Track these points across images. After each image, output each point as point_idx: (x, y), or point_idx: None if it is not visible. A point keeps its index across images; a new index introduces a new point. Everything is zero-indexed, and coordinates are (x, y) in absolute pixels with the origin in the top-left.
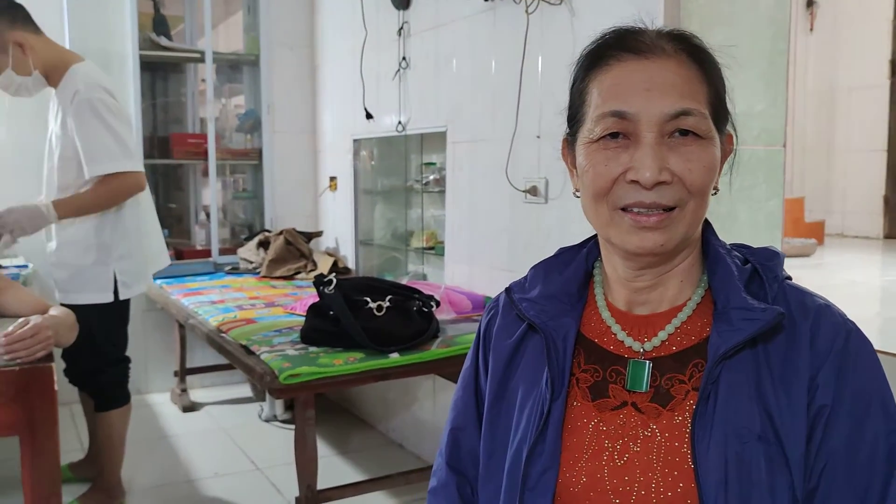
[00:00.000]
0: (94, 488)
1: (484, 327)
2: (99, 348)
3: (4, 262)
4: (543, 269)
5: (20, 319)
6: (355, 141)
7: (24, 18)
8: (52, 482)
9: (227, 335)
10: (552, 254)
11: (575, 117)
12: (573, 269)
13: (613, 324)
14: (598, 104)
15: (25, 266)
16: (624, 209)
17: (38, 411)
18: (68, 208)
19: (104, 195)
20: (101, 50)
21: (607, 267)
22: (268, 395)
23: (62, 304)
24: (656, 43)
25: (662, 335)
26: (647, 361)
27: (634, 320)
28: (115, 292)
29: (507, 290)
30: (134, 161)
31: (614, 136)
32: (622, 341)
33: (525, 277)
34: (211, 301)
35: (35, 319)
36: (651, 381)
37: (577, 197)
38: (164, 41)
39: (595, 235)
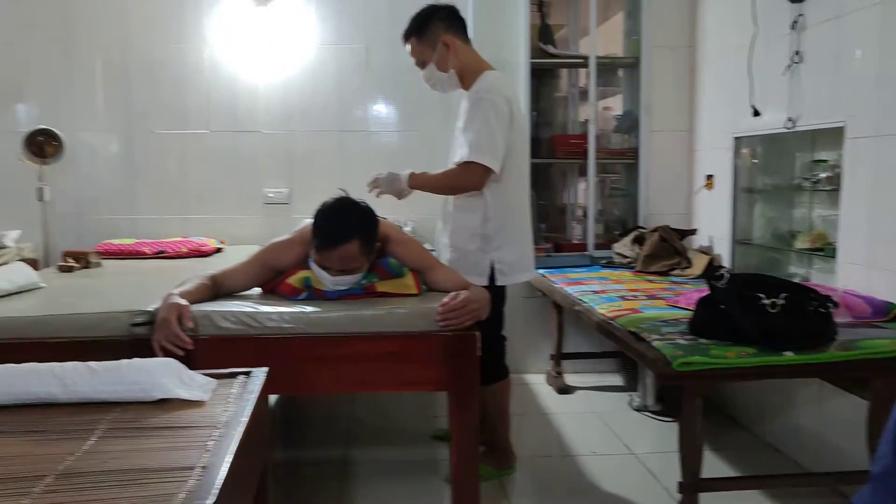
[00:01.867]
0: (489, 450)
1: None
2: (481, 325)
3: None
4: None
5: (451, 293)
6: (736, 139)
7: (459, 26)
8: (473, 432)
9: (615, 322)
10: None
11: None
12: None
13: None
14: None
15: None
16: None
17: (464, 372)
18: (418, 181)
19: (446, 179)
20: (498, 60)
21: None
22: (640, 386)
23: None
24: None
25: None
26: None
27: None
28: (492, 278)
29: None
30: (493, 160)
31: None
32: None
33: None
34: (593, 291)
35: (464, 294)
36: None
37: None
38: (550, 49)
39: None
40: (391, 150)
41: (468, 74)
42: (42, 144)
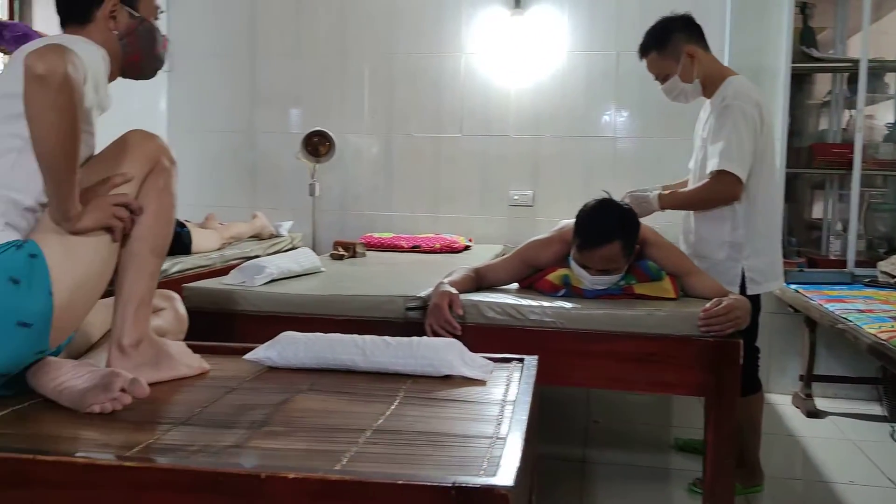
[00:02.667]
0: (738, 465)
1: None
2: (738, 334)
3: None
4: None
5: (714, 299)
6: None
7: (699, 35)
8: (730, 442)
9: (889, 343)
10: None
11: None
12: None
13: None
14: None
15: None
16: None
17: (725, 380)
18: (669, 202)
19: (700, 194)
20: (755, 65)
21: None
22: None
23: None
24: None
25: None
26: None
27: None
28: (743, 287)
29: None
30: (741, 169)
31: None
32: None
33: None
34: (858, 310)
35: (727, 301)
36: None
37: None
38: (813, 52)
39: None
40: (635, 157)
41: (710, 82)
42: (317, 145)
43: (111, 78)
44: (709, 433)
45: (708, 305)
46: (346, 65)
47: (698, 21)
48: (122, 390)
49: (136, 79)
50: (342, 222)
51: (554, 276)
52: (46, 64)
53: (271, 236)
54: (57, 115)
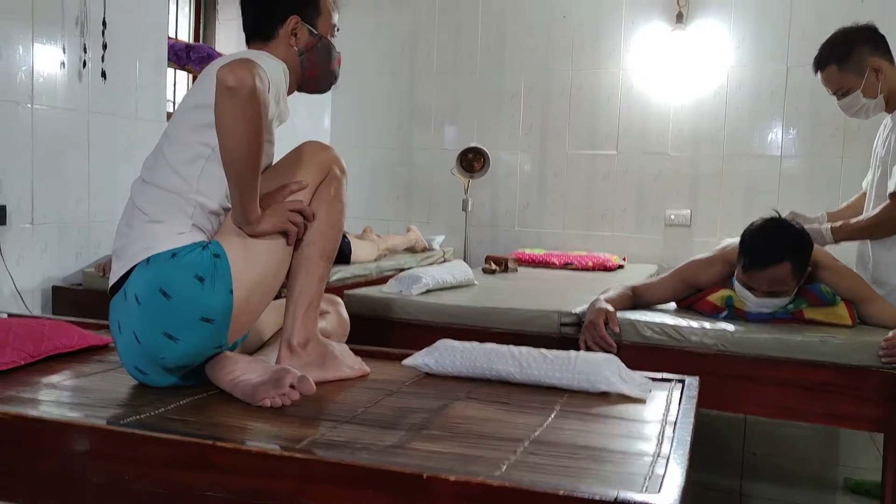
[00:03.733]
0: None
1: None
2: None
3: None
4: None
5: None
6: None
7: (884, 47)
8: None
9: None
10: None
11: None
12: None
13: None
14: None
15: None
16: None
17: None
18: (846, 233)
19: (881, 218)
20: None
21: None
22: None
23: None
24: None
25: None
26: None
27: None
28: None
29: None
30: None
31: None
32: None
33: None
34: None
35: None
36: None
37: None
38: None
39: None
40: (802, 177)
41: (894, 97)
42: (471, 161)
43: (289, 91)
44: (888, 474)
45: (890, 335)
46: (503, 81)
47: (882, 31)
48: (292, 386)
49: (312, 93)
50: (493, 238)
51: (716, 297)
52: (237, 76)
53: (424, 249)
54: (245, 124)
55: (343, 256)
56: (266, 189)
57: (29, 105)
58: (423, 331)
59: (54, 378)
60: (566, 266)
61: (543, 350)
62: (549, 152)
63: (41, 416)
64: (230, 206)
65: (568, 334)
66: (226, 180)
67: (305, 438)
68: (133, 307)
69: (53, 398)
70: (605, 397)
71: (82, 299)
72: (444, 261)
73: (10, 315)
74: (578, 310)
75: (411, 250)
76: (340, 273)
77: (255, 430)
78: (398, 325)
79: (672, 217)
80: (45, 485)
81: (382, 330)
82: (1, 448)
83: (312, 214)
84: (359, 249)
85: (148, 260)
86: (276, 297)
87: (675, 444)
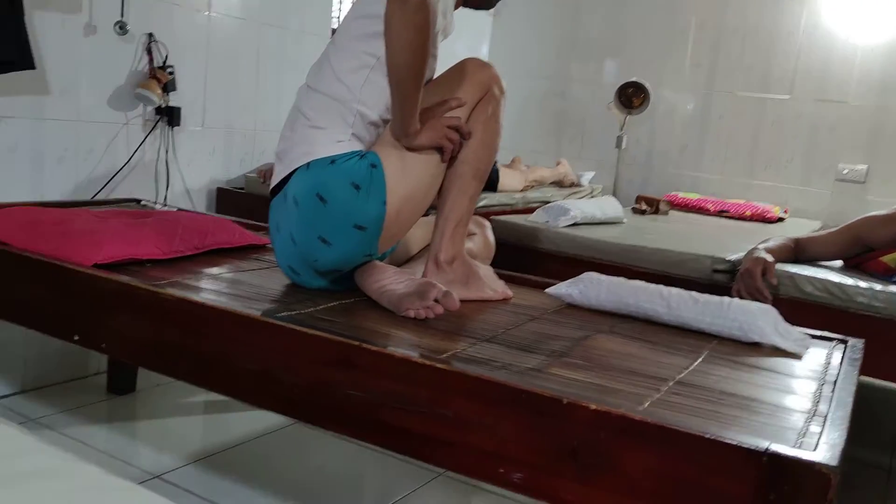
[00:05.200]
0: None
1: None
2: None
3: None
4: None
5: None
6: None
7: None
8: None
9: None
10: None
11: None
12: None
13: None
14: None
15: None
16: None
17: None
18: None
19: None
20: None
21: None
22: None
23: None
24: None
25: None
26: None
27: None
28: None
29: None
30: None
31: None
32: None
33: None
34: None
35: None
36: None
37: None
38: None
39: None
40: None
41: None
42: (631, 96)
43: (455, 6)
44: None
45: None
46: (673, 16)
47: None
48: (436, 301)
49: (477, 8)
50: (645, 178)
51: (891, 258)
52: None
53: (572, 185)
54: (413, 33)
55: (490, 183)
56: (425, 104)
57: (206, 13)
58: (567, 263)
59: (214, 270)
60: (721, 213)
61: (694, 293)
62: (715, 93)
63: (203, 302)
64: (389, 118)
65: (719, 281)
66: (388, 91)
67: (446, 351)
68: (291, 209)
69: (214, 287)
70: (757, 348)
71: (243, 202)
72: (592, 198)
73: (179, 210)
74: (733, 257)
75: (559, 184)
76: (486, 199)
77: (397, 338)
78: (541, 255)
79: (845, 172)
80: (204, 367)
81: (525, 259)
82: (167, 329)
83: (469, 132)
84: (506, 178)
85: (308, 165)
86: (425, 215)
87: (834, 403)
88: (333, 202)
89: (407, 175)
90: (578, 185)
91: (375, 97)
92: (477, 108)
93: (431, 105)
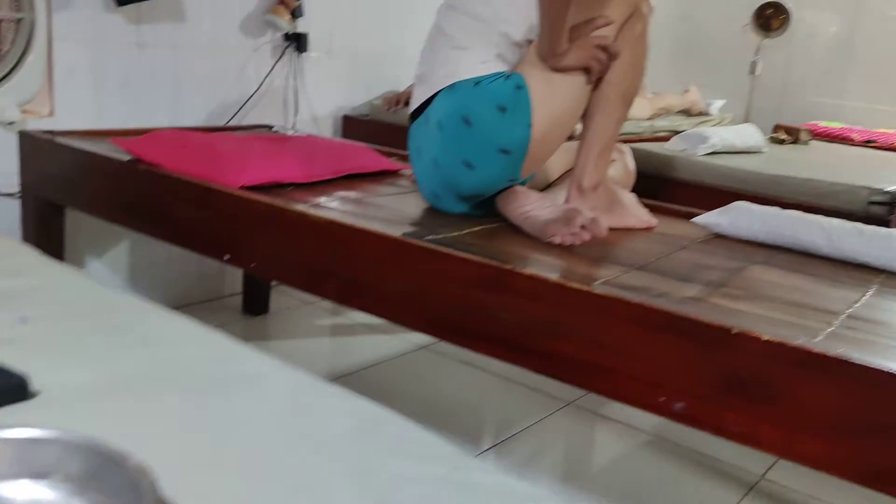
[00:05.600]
0: None
1: None
2: None
3: None
4: None
5: None
6: None
7: None
8: None
9: None
10: None
11: None
12: None
13: None
14: None
15: None
16: None
17: None
18: None
19: None
20: None
21: None
22: None
23: None
24: None
25: None
26: None
27: None
28: None
29: None
30: None
31: None
32: None
33: None
34: None
35: None
36: None
37: None
38: None
39: None
40: None
41: None
42: (769, 18)
43: None
44: None
45: None
46: None
47: None
48: (582, 227)
49: None
50: (781, 106)
51: None
52: None
53: (700, 113)
54: None
55: None
56: (571, 23)
57: None
58: (706, 193)
59: (354, 194)
60: (867, 144)
61: (858, 224)
62: (864, 13)
63: (353, 224)
64: (533, 38)
65: (876, 214)
66: (533, 10)
67: (597, 278)
68: (434, 133)
69: (357, 211)
70: None
71: (368, 129)
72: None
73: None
74: (893, 188)
75: (686, 113)
76: None
77: (546, 264)
78: (679, 184)
79: None
80: (352, 287)
81: (661, 188)
82: (316, 250)
83: (617, 53)
84: (633, 106)
85: (452, 86)
86: (567, 140)
87: None
88: (478, 125)
89: (552, 97)
90: (707, 113)
91: (520, 17)
92: (625, 27)
93: (578, 24)
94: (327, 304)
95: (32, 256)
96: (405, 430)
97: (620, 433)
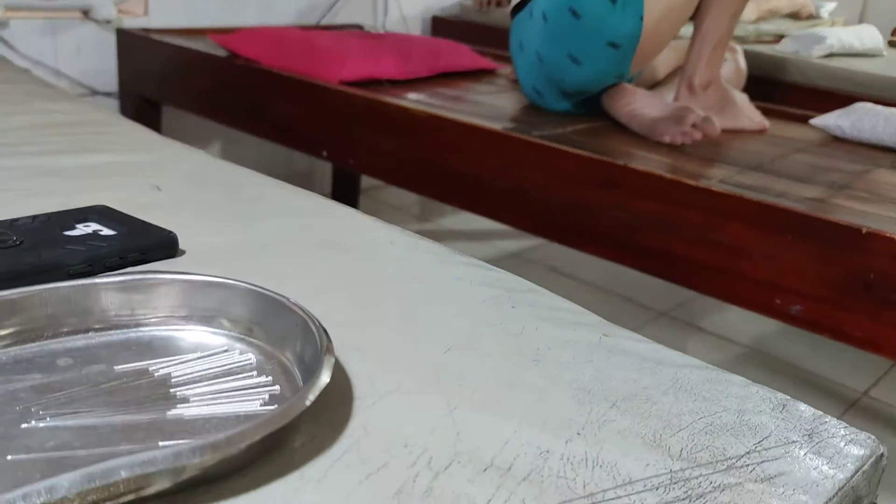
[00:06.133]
0: None
1: None
2: None
3: None
4: None
5: None
6: None
7: None
8: None
9: None
10: None
11: None
12: None
13: None
14: None
15: None
16: None
17: None
18: None
19: None
20: None
21: None
22: None
23: None
24: None
25: None
26: None
27: None
28: None
29: None
30: None
31: None
32: None
33: None
34: None
35: None
36: None
37: None
38: None
39: None
40: None
41: None
42: None
43: None
44: None
45: None
46: None
47: None
48: (693, 126)
49: None
50: None
51: None
52: None
53: (809, 17)
54: None
55: None
56: None
57: None
58: (822, 97)
59: (451, 91)
60: None
61: None
62: None
63: (456, 119)
64: None
65: None
66: None
67: (711, 177)
68: (538, 26)
69: (457, 107)
70: None
71: (458, 30)
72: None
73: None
74: None
75: (794, 16)
76: None
77: (656, 161)
78: (790, 88)
79: None
80: (454, 183)
81: (772, 92)
82: (416, 145)
83: None
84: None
85: None
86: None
87: None
88: (586, 17)
89: None
90: (817, 17)
91: None
92: None
93: None
94: (416, 210)
95: (154, 136)
96: (552, 300)
97: (715, 345)
